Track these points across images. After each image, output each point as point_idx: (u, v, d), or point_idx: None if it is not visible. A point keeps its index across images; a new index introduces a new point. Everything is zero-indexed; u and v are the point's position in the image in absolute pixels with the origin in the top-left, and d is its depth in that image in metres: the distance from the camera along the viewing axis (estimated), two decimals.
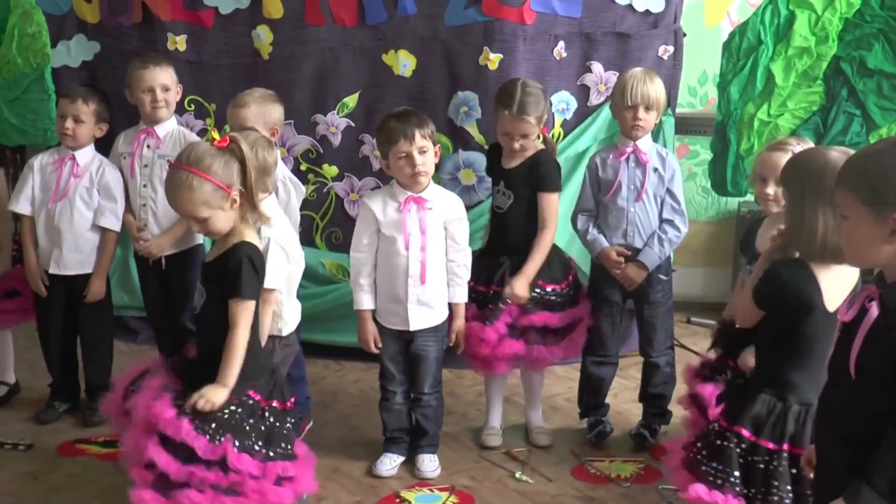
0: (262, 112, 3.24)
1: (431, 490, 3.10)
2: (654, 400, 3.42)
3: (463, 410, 3.70)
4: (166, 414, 2.33)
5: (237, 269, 2.40)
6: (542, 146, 3.34)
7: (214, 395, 2.36)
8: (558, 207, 3.33)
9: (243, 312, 2.41)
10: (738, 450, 2.30)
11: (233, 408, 2.39)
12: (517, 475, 3.19)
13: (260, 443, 2.40)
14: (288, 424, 2.50)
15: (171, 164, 2.48)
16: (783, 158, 2.54)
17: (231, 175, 2.42)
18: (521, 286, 3.20)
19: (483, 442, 3.40)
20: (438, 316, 3.15)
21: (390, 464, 3.19)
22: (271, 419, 2.46)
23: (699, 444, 2.38)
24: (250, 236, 2.48)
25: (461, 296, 3.17)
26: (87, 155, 3.51)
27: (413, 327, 3.11)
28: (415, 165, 3.01)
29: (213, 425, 2.35)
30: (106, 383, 3.64)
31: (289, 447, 2.46)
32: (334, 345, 4.16)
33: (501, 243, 3.33)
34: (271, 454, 2.40)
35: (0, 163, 4.70)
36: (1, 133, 4.38)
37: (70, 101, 3.45)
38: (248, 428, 2.40)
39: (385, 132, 3.06)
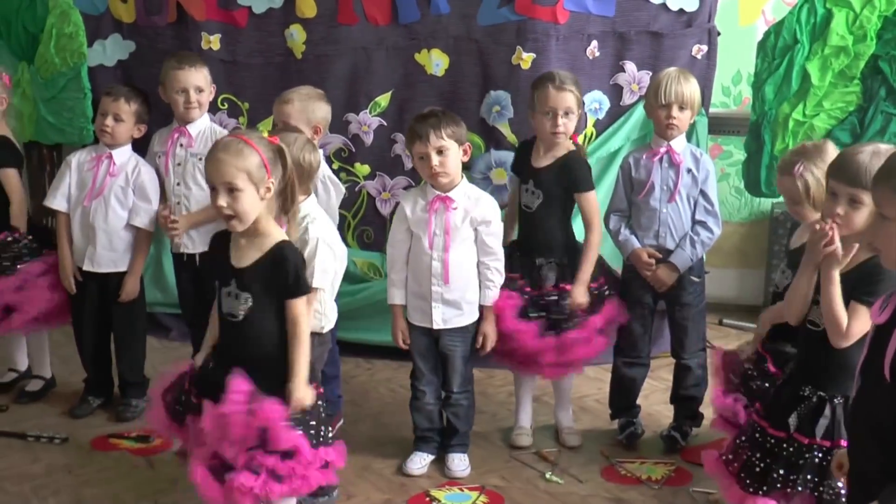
0: (305, 109, 3.24)
1: (461, 489, 3.10)
2: (685, 402, 3.40)
3: (493, 410, 3.69)
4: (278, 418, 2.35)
5: (297, 269, 2.44)
6: (572, 146, 3.32)
7: (306, 394, 2.43)
8: (598, 205, 3.32)
9: (304, 307, 2.47)
10: (789, 451, 2.31)
11: None
12: (547, 475, 3.18)
13: (312, 431, 2.45)
14: (325, 411, 2.55)
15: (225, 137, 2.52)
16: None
17: (274, 167, 2.43)
18: (580, 293, 3.20)
19: (513, 442, 3.40)
20: (467, 317, 3.14)
21: (420, 462, 3.20)
22: (321, 407, 2.52)
23: (744, 448, 2.38)
24: (282, 235, 2.50)
25: (491, 299, 3.16)
26: (123, 154, 3.53)
27: (437, 326, 3.11)
28: (431, 166, 3.01)
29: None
30: (138, 379, 3.70)
31: (329, 432, 2.52)
32: (365, 343, 4.17)
33: (532, 242, 3.31)
34: (319, 440, 2.46)
35: (38, 161, 4.78)
36: (38, 131, 4.45)
37: (112, 99, 3.48)
38: (307, 418, 2.45)
39: (408, 134, 3.10)
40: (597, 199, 3.33)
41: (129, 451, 3.34)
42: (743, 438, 2.48)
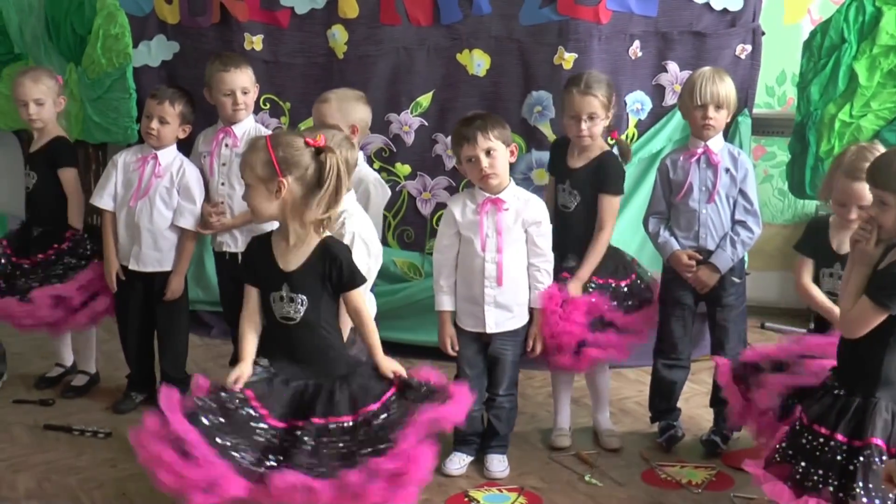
0: (343, 109, 3.25)
1: (500, 490, 3.09)
2: (726, 406, 3.34)
3: (532, 411, 3.68)
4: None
5: (350, 262, 2.50)
6: (607, 146, 3.31)
7: (393, 364, 2.56)
8: (617, 210, 3.32)
9: (363, 298, 2.57)
10: (839, 456, 2.32)
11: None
12: (586, 478, 3.16)
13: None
14: None
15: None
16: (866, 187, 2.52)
17: (294, 168, 2.42)
18: (575, 288, 3.19)
19: (552, 443, 3.39)
20: (517, 320, 3.13)
21: (459, 463, 3.20)
22: None
23: (801, 458, 2.38)
24: (324, 233, 2.52)
25: (541, 301, 3.14)
26: (169, 155, 3.56)
27: (490, 330, 3.10)
28: (481, 168, 3.00)
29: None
30: (180, 375, 3.73)
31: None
32: (405, 343, 4.17)
33: (566, 242, 3.29)
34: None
35: (84, 159, 4.86)
36: (84, 131, 4.52)
37: (157, 102, 3.50)
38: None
39: (455, 137, 3.08)
40: (617, 206, 3.32)
41: None
42: (784, 443, 2.49)
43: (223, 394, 2.44)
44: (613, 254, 3.34)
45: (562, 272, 3.23)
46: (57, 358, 4.05)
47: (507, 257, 3.06)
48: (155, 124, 3.49)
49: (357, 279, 2.52)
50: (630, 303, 3.30)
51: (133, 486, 3.09)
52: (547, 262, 3.13)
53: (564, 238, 3.30)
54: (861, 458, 2.30)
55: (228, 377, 2.51)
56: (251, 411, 2.42)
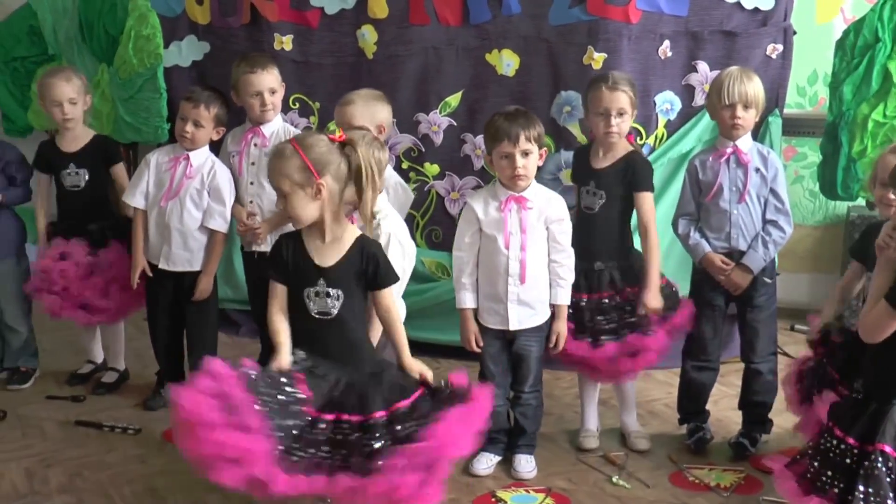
0: (369, 110, 3.24)
1: (527, 491, 3.09)
2: (755, 408, 3.33)
3: (560, 412, 3.67)
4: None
5: (385, 260, 2.53)
6: (630, 147, 3.29)
7: (420, 365, 2.56)
8: (654, 206, 3.29)
9: (393, 295, 2.59)
10: (849, 459, 2.29)
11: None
12: (614, 479, 3.15)
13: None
14: None
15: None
16: None
17: (328, 167, 2.44)
18: (653, 298, 3.18)
19: (580, 444, 3.37)
20: (540, 317, 3.13)
21: (487, 463, 3.19)
22: None
23: (815, 458, 2.36)
24: (357, 230, 2.54)
25: (564, 297, 3.14)
26: (201, 156, 3.57)
27: (513, 327, 3.10)
28: (515, 168, 3.00)
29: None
30: None
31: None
32: (432, 342, 4.18)
33: (591, 246, 3.26)
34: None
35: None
36: (116, 130, 4.56)
37: (193, 105, 3.50)
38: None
39: (491, 130, 3.04)
40: (653, 202, 3.30)
41: None
42: (811, 444, 2.49)
43: (273, 372, 2.46)
44: (637, 257, 3.31)
45: (601, 293, 3.23)
46: (88, 355, 4.11)
47: (531, 255, 3.06)
48: (189, 127, 3.51)
49: (391, 277, 2.55)
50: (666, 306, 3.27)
51: (162, 483, 3.11)
52: (569, 258, 3.13)
53: (588, 240, 3.27)
54: (866, 463, 2.29)
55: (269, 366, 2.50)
56: (297, 394, 2.42)
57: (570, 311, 3.20)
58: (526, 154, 2.99)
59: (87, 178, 3.76)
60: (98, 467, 3.23)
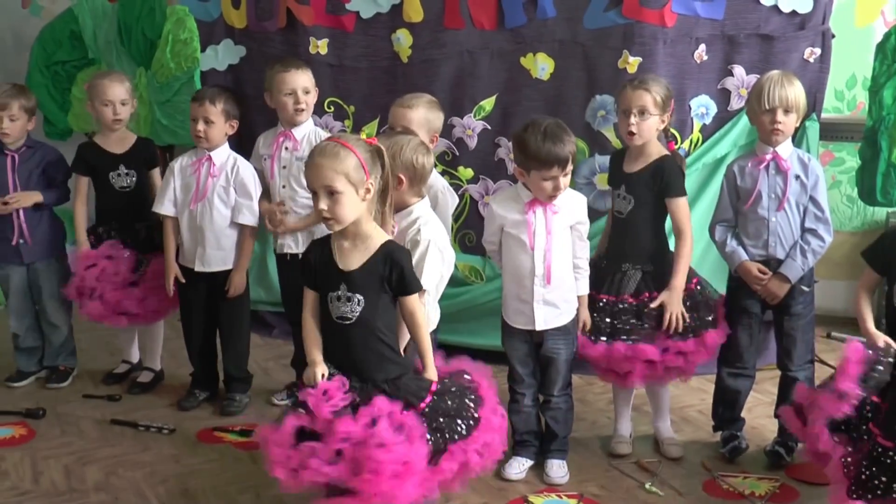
0: (428, 117, 3.25)
1: (559, 496, 3.07)
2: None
3: (593, 418, 3.66)
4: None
5: (410, 267, 2.51)
6: (665, 151, 3.26)
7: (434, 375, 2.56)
8: (688, 211, 3.26)
9: (420, 304, 2.56)
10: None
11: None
12: (647, 486, 3.12)
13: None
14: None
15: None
16: None
17: (373, 167, 2.46)
18: (674, 301, 3.16)
19: (612, 450, 3.35)
20: (565, 316, 3.12)
21: (519, 467, 3.18)
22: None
23: (862, 464, 2.35)
24: (385, 235, 2.53)
25: (585, 287, 3.18)
26: (222, 154, 3.61)
27: (539, 327, 3.09)
28: (558, 188, 2.99)
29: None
30: (242, 374, 3.80)
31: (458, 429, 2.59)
32: (465, 346, 4.16)
33: (621, 249, 3.26)
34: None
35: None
36: (153, 133, 4.62)
37: (198, 104, 3.54)
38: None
39: (536, 152, 2.94)
40: (688, 206, 3.27)
41: (232, 445, 3.43)
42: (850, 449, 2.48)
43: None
44: (669, 261, 3.27)
45: (623, 295, 3.21)
46: (123, 355, 4.16)
47: (556, 256, 3.06)
48: (201, 126, 3.54)
49: (414, 285, 2.53)
50: (695, 315, 3.24)
51: (196, 482, 3.14)
52: (585, 249, 3.16)
53: (619, 244, 3.27)
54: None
55: (310, 377, 2.52)
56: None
57: (601, 307, 3.22)
58: (567, 174, 2.99)
59: (135, 179, 3.82)
60: (133, 466, 3.26)
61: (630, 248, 3.25)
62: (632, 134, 3.17)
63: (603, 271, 3.26)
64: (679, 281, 3.18)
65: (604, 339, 3.19)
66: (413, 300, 2.54)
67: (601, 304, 3.23)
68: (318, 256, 2.58)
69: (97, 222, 3.90)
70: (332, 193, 2.43)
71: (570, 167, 2.97)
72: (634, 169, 3.24)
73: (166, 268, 3.69)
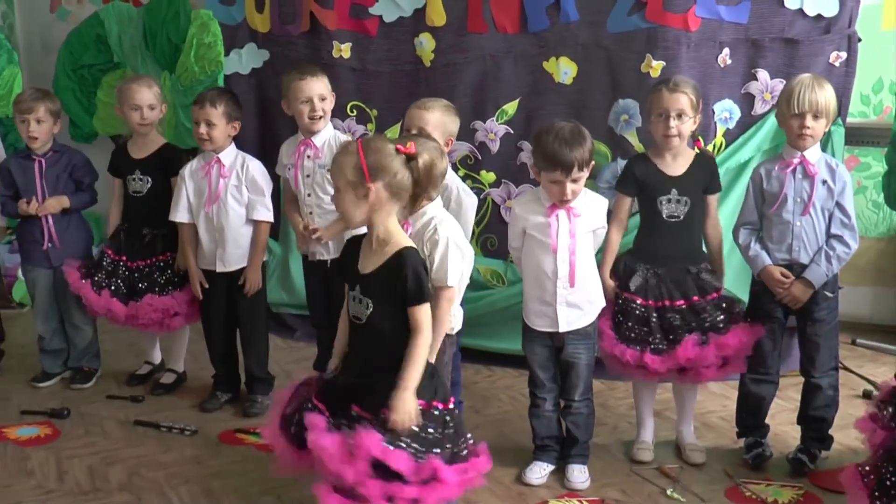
0: (444, 121, 3.24)
1: (580, 501, 3.06)
2: (814, 423, 3.25)
3: (614, 423, 3.64)
4: (377, 446, 2.33)
5: (418, 277, 2.43)
6: (696, 150, 3.26)
7: (408, 406, 2.38)
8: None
9: (427, 316, 2.46)
10: None
11: (425, 422, 2.43)
12: (668, 492, 3.10)
13: (448, 445, 2.46)
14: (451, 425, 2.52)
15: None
16: None
17: (383, 174, 2.42)
18: (721, 280, 3.22)
19: (634, 456, 3.33)
20: (588, 317, 3.12)
21: (540, 472, 3.18)
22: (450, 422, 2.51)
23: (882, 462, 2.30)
24: (406, 242, 2.50)
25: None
26: (230, 155, 3.63)
27: (563, 329, 3.09)
28: (564, 193, 2.99)
29: (416, 445, 2.38)
30: (264, 375, 3.82)
31: (464, 445, 2.53)
32: (487, 350, 4.18)
33: (675, 252, 3.22)
34: (454, 456, 2.47)
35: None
36: (176, 136, 4.65)
37: (199, 107, 3.55)
38: (440, 437, 2.45)
39: (544, 151, 2.97)
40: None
41: (254, 447, 3.44)
42: (881, 452, 2.42)
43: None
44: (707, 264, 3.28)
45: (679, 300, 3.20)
46: (146, 356, 4.18)
47: (579, 258, 3.05)
48: (203, 128, 3.56)
49: (422, 297, 2.46)
50: (721, 318, 3.21)
51: (218, 484, 3.15)
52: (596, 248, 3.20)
53: (674, 248, 3.22)
54: None
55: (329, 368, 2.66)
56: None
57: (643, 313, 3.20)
58: (576, 181, 2.98)
59: (149, 184, 3.84)
60: (155, 467, 3.28)
61: (687, 250, 3.23)
62: (671, 136, 3.16)
63: (653, 279, 3.22)
64: (719, 262, 3.29)
65: (661, 346, 3.16)
66: (417, 311, 2.45)
67: (642, 310, 3.19)
68: (348, 254, 2.61)
69: (120, 223, 3.93)
70: (336, 189, 2.49)
71: (577, 174, 2.95)
72: (680, 171, 3.22)
73: (190, 273, 3.72)
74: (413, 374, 2.41)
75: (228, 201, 3.60)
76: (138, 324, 3.83)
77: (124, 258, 3.83)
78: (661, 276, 3.21)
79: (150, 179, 3.83)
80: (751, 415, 3.33)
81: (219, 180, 3.59)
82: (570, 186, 2.97)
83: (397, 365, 2.45)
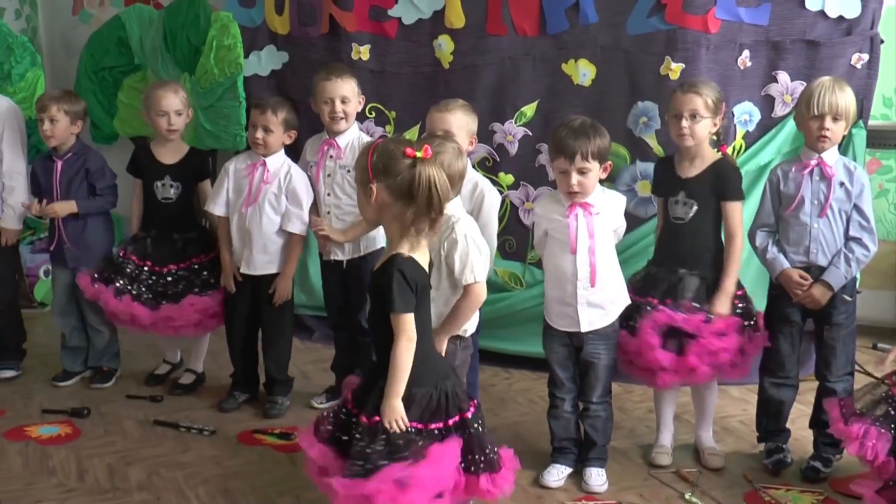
0: (467, 121, 3.24)
1: None
2: (826, 428, 3.22)
3: (632, 426, 3.63)
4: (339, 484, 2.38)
5: (389, 284, 2.38)
6: (719, 155, 3.24)
7: (391, 412, 2.39)
8: (742, 216, 3.22)
9: (401, 325, 2.40)
10: None
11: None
12: (687, 496, 3.09)
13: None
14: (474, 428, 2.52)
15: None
16: None
17: (383, 176, 2.40)
18: (723, 305, 3.14)
19: (652, 460, 3.32)
20: (610, 317, 3.11)
21: (558, 475, 3.17)
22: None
23: None
24: (404, 248, 2.43)
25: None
26: (277, 161, 3.63)
27: (584, 329, 3.08)
28: (570, 184, 2.99)
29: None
30: (284, 377, 3.83)
31: (492, 453, 2.54)
32: (504, 353, 4.17)
33: (678, 255, 3.22)
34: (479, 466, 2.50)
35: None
36: (196, 138, 4.67)
37: (260, 111, 3.57)
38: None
39: (553, 140, 3.04)
40: (742, 211, 3.23)
41: (272, 447, 3.45)
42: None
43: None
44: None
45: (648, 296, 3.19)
46: (164, 355, 4.20)
47: (599, 258, 3.04)
48: (260, 133, 3.57)
49: (392, 306, 2.39)
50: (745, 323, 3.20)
51: (236, 484, 3.16)
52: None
53: (678, 250, 3.22)
54: None
55: None
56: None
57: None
58: (582, 172, 2.97)
59: (179, 191, 3.85)
60: (174, 466, 3.30)
61: (690, 254, 3.20)
62: (683, 136, 3.15)
63: (655, 277, 3.23)
64: (730, 286, 3.16)
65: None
66: (393, 319, 2.41)
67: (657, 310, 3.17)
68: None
69: (140, 229, 3.93)
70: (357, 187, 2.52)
71: (582, 163, 2.95)
72: (693, 173, 3.21)
73: (223, 267, 3.72)
74: (393, 382, 2.40)
75: (265, 207, 3.60)
76: (172, 326, 3.81)
77: (149, 263, 3.83)
78: (654, 277, 3.22)
79: (180, 186, 3.85)
80: (771, 419, 3.30)
81: (260, 184, 3.60)
82: (575, 177, 2.97)
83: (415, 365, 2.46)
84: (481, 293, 2.72)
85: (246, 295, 3.73)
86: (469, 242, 2.72)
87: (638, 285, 3.26)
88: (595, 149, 2.96)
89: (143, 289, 3.80)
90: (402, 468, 2.34)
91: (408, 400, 2.43)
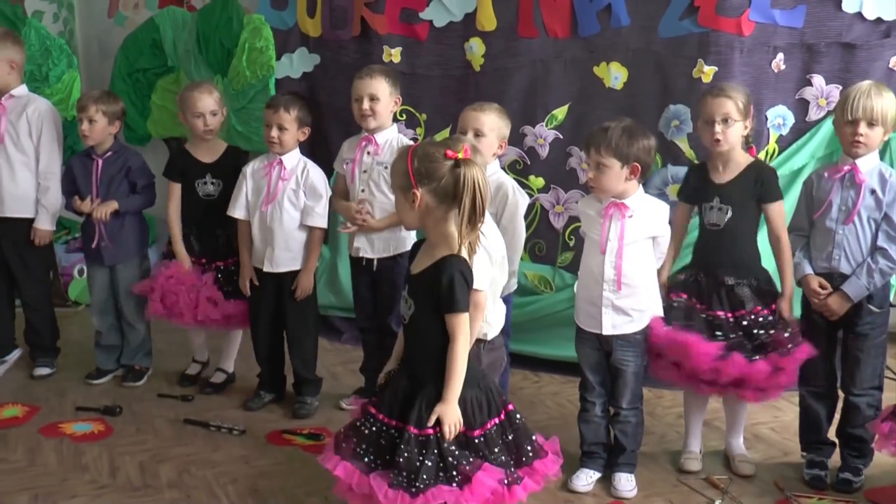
0: (499, 124, 3.25)
1: None
2: (852, 441, 3.16)
3: (662, 432, 3.60)
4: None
5: (452, 285, 2.40)
6: (751, 158, 3.20)
7: (450, 416, 2.42)
8: (785, 216, 3.19)
9: (462, 325, 2.44)
10: None
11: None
12: (717, 503, 3.06)
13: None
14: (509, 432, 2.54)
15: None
16: None
17: (426, 179, 2.40)
18: (787, 308, 3.12)
19: (682, 466, 3.29)
20: (637, 323, 3.08)
21: (587, 479, 3.15)
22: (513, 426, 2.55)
23: None
24: (454, 248, 2.44)
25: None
26: (293, 158, 3.67)
27: (606, 332, 3.06)
28: (590, 178, 3.03)
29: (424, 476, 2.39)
30: (312, 376, 3.84)
31: (530, 452, 2.56)
32: (534, 356, 4.16)
33: (716, 261, 3.17)
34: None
35: None
36: (228, 139, 4.69)
37: (273, 110, 3.61)
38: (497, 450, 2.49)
39: (586, 137, 3.09)
40: (784, 211, 3.19)
41: (300, 448, 3.46)
42: None
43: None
44: (767, 276, 3.20)
45: (739, 310, 3.13)
46: (194, 354, 4.23)
47: (628, 264, 3.02)
48: (275, 132, 3.61)
49: (455, 306, 2.43)
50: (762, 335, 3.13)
51: (265, 483, 3.18)
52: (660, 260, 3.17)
53: (715, 256, 3.18)
54: None
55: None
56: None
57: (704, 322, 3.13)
58: (598, 167, 2.97)
59: (220, 187, 3.88)
60: (204, 465, 3.32)
61: (728, 260, 3.16)
62: (718, 141, 3.12)
63: (697, 285, 3.18)
64: (789, 288, 3.13)
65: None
66: (450, 319, 2.43)
67: (707, 316, 3.14)
68: (412, 253, 2.63)
69: (187, 229, 3.95)
70: (394, 193, 2.52)
71: (596, 156, 2.96)
72: (727, 178, 3.17)
73: (242, 269, 3.77)
74: (452, 384, 2.43)
75: (284, 204, 3.63)
76: (237, 322, 3.91)
77: (204, 260, 3.89)
78: (699, 283, 3.18)
79: (221, 183, 3.88)
80: (811, 430, 3.24)
81: (278, 182, 3.63)
82: (591, 171, 3.00)
83: (437, 372, 2.46)
84: (481, 301, 2.64)
85: (269, 295, 3.75)
86: (480, 249, 2.70)
87: (679, 287, 3.21)
88: (612, 145, 2.95)
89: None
90: (449, 491, 2.36)
91: (462, 402, 2.45)
